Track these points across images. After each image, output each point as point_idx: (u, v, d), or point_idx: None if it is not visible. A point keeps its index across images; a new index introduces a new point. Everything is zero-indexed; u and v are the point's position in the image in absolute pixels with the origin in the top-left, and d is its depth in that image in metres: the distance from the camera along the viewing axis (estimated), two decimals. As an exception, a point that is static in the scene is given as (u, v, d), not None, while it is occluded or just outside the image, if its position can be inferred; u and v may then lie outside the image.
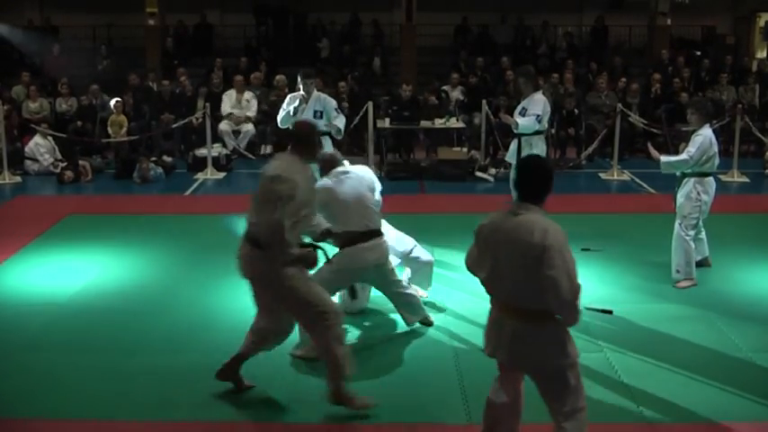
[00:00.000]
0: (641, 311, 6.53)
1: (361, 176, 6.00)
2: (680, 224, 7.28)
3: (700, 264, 7.57)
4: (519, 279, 3.91)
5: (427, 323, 6.38)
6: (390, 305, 6.80)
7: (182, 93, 14.83)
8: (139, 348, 5.91)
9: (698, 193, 7.19)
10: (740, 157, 12.86)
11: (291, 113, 8.54)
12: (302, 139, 4.98)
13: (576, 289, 3.81)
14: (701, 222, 7.44)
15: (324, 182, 5.82)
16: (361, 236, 5.79)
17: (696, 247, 7.48)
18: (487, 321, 4.25)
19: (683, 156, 7.19)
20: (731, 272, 7.70)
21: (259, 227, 4.65)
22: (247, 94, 14.26)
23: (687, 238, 7.25)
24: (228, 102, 14.06)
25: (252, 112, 14.14)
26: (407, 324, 6.29)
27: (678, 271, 7.30)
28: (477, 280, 7.38)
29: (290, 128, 8.67)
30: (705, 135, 7.13)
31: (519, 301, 3.96)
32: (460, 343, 6.06)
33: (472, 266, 4.33)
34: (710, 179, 7.28)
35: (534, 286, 3.84)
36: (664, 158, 7.31)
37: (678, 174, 7.32)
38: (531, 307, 3.92)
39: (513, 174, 8.81)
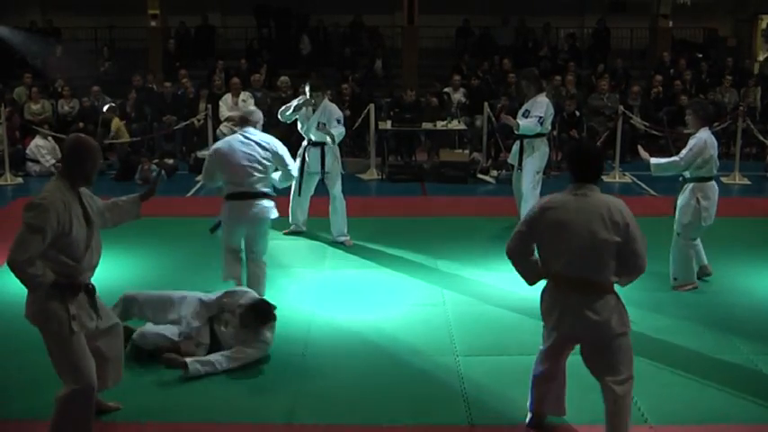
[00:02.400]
0: (642, 313, 6.51)
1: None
2: (678, 233, 7.15)
3: (699, 273, 7.44)
4: (595, 254, 4.27)
5: None
6: (394, 308, 6.82)
7: (183, 94, 14.84)
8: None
9: (697, 200, 7.03)
10: (742, 159, 12.86)
11: (291, 110, 8.55)
12: (67, 159, 4.46)
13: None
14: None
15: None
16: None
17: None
18: (548, 298, 4.51)
19: (674, 158, 7.07)
20: (732, 275, 7.68)
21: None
22: (243, 95, 14.23)
23: (686, 245, 7.14)
24: (225, 106, 14.05)
25: None
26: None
27: (675, 278, 7.22)
28: (477, 281, 7.40)
29: (287, 122, 8.76)
30: (700, 137, 6.97)
31: (589, 275, 4.31)
32: (461, 344, 6.05)
33: (522, 249, 4.57)
34: (711, 184, 7.11)
35: (607, 260, 4.26)
36: (653, 160, 7.16)
37: (680, 179, 7.23)
38: (599, 279, 4.31)
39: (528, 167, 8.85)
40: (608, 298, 4.38)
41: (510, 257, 4.63)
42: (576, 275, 4.34)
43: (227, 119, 13.92)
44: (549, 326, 4.54)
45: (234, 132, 7.28)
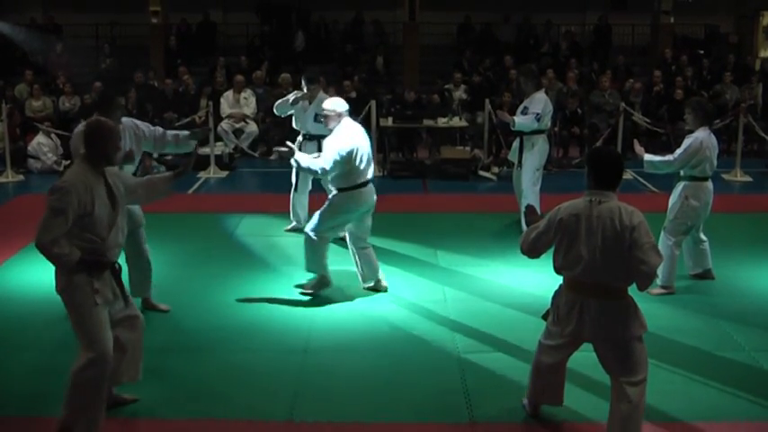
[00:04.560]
0: (644, 311, 6.51)
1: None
2: (664, 228, 7.05)
3: (702, 276, 7.39)
4: (611, 261, 4.31)
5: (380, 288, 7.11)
6: (395, 305, 6.82)
7: (185, 91, 14.84)
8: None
9: (685, 197, 6.93)
10: (743, 156, 12.84)
11: (290, 103, 8.55)
12: (87, 141, 4.60)
13: (662, 260, 4.40)
14: (701, 233, 7.24)
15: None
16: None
17: (696, 259, 7.36)
18: (564, 302, 4.51)
19: (668, 157, 6.99)
20: (734, 271, 7.66)
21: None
22: (245, 92, 14.26)
23: (669, 243, 6.99)
24: (226, 103, 14.06)
25: (250, 110, 14.14)
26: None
27: (657, 275, 7.10)
28: (479, 277, 7.38)
29: (282, 116, 8.78)
30: (696, 137, 6.84)
31: (607, 281, 4.36)
32: (462, 341, 6.06)
33: (537, 252, 4.66)
34: (704, 185, 6.97)
35: (624, 265, 4.28)
36: (647, 157, 7.06)
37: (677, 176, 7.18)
38: (617, 285, 4.38)
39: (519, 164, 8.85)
40: (626, 302, 4.43)
41: (525, 252, 4.71)
42: (594, 281, 4.37)
43: (229, 116, 13.94)
44: (567, 330, 4.52)
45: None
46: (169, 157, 12.99)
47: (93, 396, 4.51)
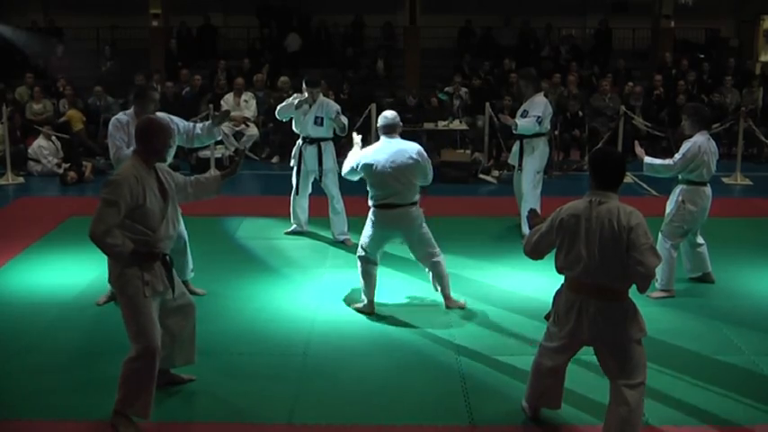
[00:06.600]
0: (644, 314, 6.51)
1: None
2: (662, 231, 7.05)
3: (701, 280, 7.40)
4: (609, 262, 4.32)
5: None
6: (395, 308, 6.81)
7: (188, 93, 14.86)
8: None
9: (682, 201, 6.96)
10: (743, 160, 12.84)
11: (293, 108, 8.54)
12: (139, 138, 4.84)
13: (659, 261, 4.38)
14: (698, 237, 7.24)
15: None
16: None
17: (694, 262, 7.36)
18: (564, 302, 4.54)
19: (668, 161, 7.01)
20: (734, 274, 7.67)
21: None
22: (246, 95, 14.25)
23: (666, 246, 6.99)
24: (227, 106, 14.04)
25: (250, 113, 14.14)
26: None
27: (656, 278, 7.01)
28: (479, 281, 7.38)
29: (283, 120, 8.75)
30: (694, 142, 6.86)
31: (606, 282, 4.37)
32: (462, 344, 6.05)
33: (539, 254, 4.72)
34: (702, 189, 6.98)
35: (623, 266, 4.29)
36: (647, 160, 7.07)
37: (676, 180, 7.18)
38: (616, 286, 4.39)
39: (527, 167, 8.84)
40: (625, 304, 4.44)
41: (528, 254, 4.77)
42: (594, 282, 4.39)
43: (229, 118, 13.92)
44: (565, 329, 4.54)
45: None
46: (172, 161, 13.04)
47: (144, 384, 4.70)
